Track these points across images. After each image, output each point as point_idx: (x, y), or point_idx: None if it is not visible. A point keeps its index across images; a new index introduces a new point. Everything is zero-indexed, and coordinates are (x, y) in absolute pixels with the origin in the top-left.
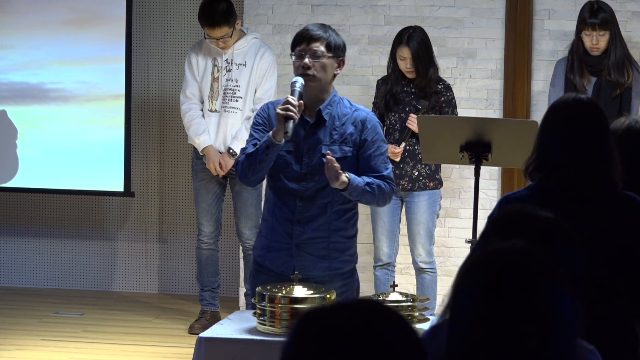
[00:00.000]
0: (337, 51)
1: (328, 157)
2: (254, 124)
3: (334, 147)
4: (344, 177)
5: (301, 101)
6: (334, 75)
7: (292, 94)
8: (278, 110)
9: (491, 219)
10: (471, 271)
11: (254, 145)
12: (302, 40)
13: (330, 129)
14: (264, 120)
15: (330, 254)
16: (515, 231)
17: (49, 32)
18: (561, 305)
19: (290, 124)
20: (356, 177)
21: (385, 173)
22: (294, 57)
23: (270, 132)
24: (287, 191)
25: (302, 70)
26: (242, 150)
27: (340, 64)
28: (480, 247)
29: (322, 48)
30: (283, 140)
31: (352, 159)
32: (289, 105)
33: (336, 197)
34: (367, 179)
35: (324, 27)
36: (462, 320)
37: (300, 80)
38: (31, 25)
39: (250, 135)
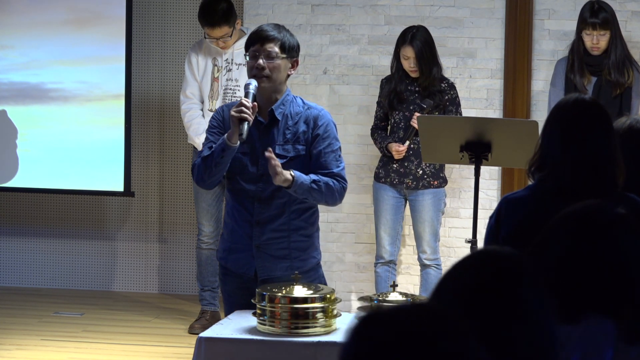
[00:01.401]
0: (292, 52)
1: (267, 153)
2: (209, 127)
3: (287, 147)
4: (288, 174)
5: (255, 103)
6: (288, 76)
7: (246, 95)
8: (232, 113)
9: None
10: (455, 271)
11: (210, 148)
12: (257, 41)
13: (284, 129)
14: (219, 123)
15: (291, 254)
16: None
17: (49, 32)
18: (538, 305)
19: (245, 125)
20: (302, 174)
21: (335, 170)
22: (247, 57)
23: (225, 135)
24: (244, 193)
25: (255, 72)
26: (198, 153)
27: (294, 64)
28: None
29: (276, 49)
30: (238, 142)
31: (306, 157)
32: (242, 107)
33: (293, 197)
34: (314, 177)
35: (278, 27)
36: None
37: (254, 83)
38: (31, 25)
39: (206, 138)
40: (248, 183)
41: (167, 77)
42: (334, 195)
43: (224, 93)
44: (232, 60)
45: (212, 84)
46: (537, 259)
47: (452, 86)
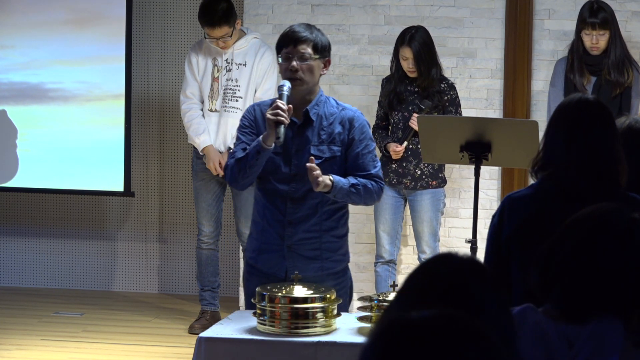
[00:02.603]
0: (324, 52)
1: (309, 164)
2: (240, 126)
3: (323, 147)
4: (328, 180)
5: (290, 105)
6: (320, 75)
7: (280, 97)
8: (268, 116)
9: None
10: (414, 273)
11: (243, 149)
12: (289, 42)
13: (318, 129)
14: (251, 123)
15: (322, 254)
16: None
17: (49, 32)
18: (493, 302)
19: (282, 128)
20: (341, 178)
21: (373, 172)
22: (280, 59)
23: (261, 137)
24: (276, 193)
25: (289, 74)
26: (231, 154)
27: (327, 64)
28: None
29: (309, 50)
30: (273, 144)
31: (341, 158)
32: (278, 110)
33: (326, 198)
34: (352, 180)
35: (309, 27)
36: None
37: (287, 84)
38: (31, 25)
39: (238, 138)
40: (281, 183)
41: (167, 77)
42: (372, 197)
43: (224, 93)
44: (232, 60)
45: (212, 84)
46: (549, 258)
47: (451, 86)
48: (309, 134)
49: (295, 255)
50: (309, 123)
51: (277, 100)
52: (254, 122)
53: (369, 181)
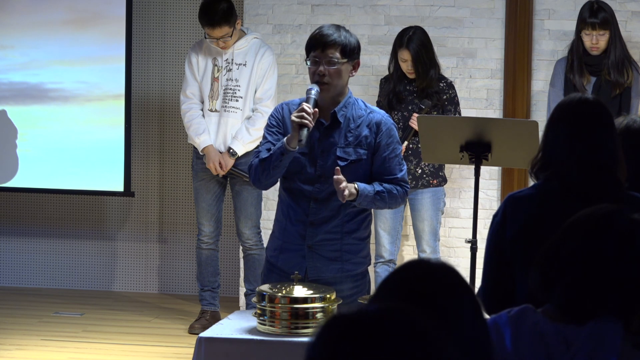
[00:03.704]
0: (352, 54)
1: (336, 177)
2: (267, 125)
3: (349, 149)
4: (353, 188)
5: (316, 109)
6: (349, 77)
7: (308, 101)
8: (293, 118)
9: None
10: (388, 279)
11: (268, 150)
12: (317, 46)
13: (345, 131)
14: (278, 122)
15: (343, 256)
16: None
17: (49, 32)
18: (464, 316)
19: (305, 132)
20: (366, 186)
21: (399, 176)
22: (308, 63)
23: (285, 139)
24: (301, 193)
25: (317, 78)
26: (256, 153)
27: (356, 66)
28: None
29: (338, 54)
30: (297, 147)
31: (367, 161)
32: (304, 114)
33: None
34: (377, 187)
35: (338, 29)
36: None
37: (315, 88)
38: (31, 25)
39: (264, 137)
40: (305, 183)
41: (167, 77)
42: (397, 202)
43: (224, 93)
44: (232, 60)
45: (212, 84)
46: (550, 258)
47: (450, 86)
48: (336, 135)
49: (316, 255)
50: (337, 125)
51: (304, 104)
52: (282, 121)
53: (394, 186)
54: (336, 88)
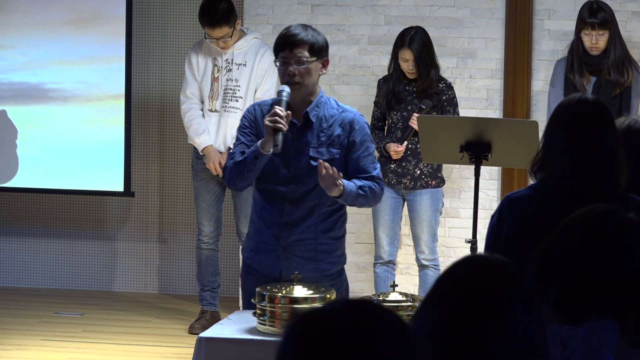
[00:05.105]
0: (321, 52)
1: (321, 163)
2: (240, 126)
3: (322, 149)
4: (340, 185)
5: (289, 112)
6: (320, 76)
7: (279, 103)
8: (266, 122)
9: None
10: (445, 276)
11: (242, 152)
12: (285, 46)
13: (318, 131)
14: (251, 123)
15: (317, 256)
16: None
17: (49, 32)
18: (525, 309)
19: (280, 136)
20: (348, 182)
21: (374, 173)
22: (277, 64)
23: (259, 142)
24: (274, 194)
25: (287, 78)
26: (230, 155)
27: (325, 64)
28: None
29: (306, 53)
30: (271, 150)
31: (340, 160)
32: (276, 117)
33: (324, 199)
34: (358, 182)
35: (305, 28)
36: (434, 320)
37: (286, 89)
38: (31, 25)
39: (237, 138)
40: (279, 184)
41: (167, 77)
42: (376, 198)
43: (224, 93)
44: (232, 60)
45: (212, 84)
46: (545, 258)
47: (449, 86)
48: (309, 135)
49: (290, 256)
50: (309, 125)
51: (276, 107)
52: (254, 122)
53: (372, 183)
54: (307, 87)
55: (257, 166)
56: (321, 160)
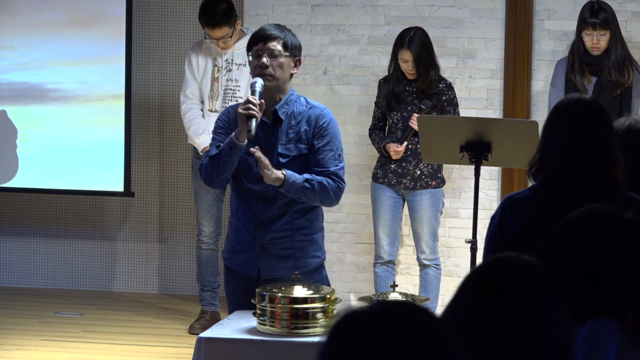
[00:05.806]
0: (294, 50)
1: (254, 151)
2: (215, 127)
3: (290, 146)
4: (279, 173)
5: (262, 100)
6: (291, 75)
7: (253, 94)
8: (240, 110)
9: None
10: (473, 276)
11: (217, 147)
12: (259, 40)
13: (287, 128)
14: (225, 124)
15: (295, 253)
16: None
17: (49, 32)
18: (554, 309)
19: (253, 122)
20: (295, 174)
21: (332, 169)
22: (251, 57)
23: (233, 134)
24: (249, 192)
25: (260, 70)
26: (206, 153)
27: (297, 63)
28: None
29: (279, 47)
30: (246, 140)
31: (307, 155)
32: (250, 105)
33: None
34: (307, 176)
35: (280, 27)
36: (462, 321)
37: (260, 81)
38: (31, 25)
39: (213, 138)
40: (253, 183)
41: (167, 77)
42: (328, 195)
43: (224, 93)
44: (232, 60)
45: (212, 84)
46: (545, 259)
47: (449, 87)
48: (278, 133)
49: (268, 254)
50: (278, 122)
51: (249, 96)
52: (228, 122)
53: (325, 178)
54: (279, 81)
55: (232, 158)
56: (252, 149)
